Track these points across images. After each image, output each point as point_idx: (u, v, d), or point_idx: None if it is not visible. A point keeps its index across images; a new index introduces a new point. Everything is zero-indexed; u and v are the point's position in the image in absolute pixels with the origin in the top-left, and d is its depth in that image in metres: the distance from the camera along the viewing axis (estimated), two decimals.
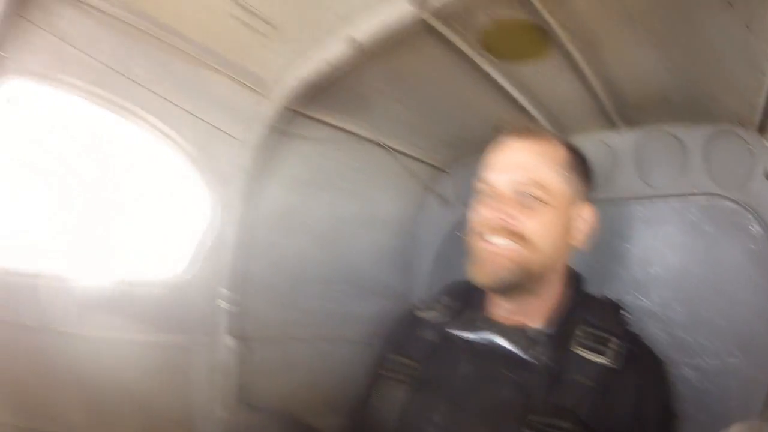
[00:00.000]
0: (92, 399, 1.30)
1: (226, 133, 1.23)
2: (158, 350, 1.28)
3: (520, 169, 1.04)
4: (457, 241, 1.24)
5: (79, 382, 1.29)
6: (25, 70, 1.25)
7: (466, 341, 1.09)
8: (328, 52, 1.08)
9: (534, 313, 1.07)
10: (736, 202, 1.24)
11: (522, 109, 1.29)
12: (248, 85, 1.22)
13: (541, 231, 1.02)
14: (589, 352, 0.99)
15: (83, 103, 1.27)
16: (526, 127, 1.12)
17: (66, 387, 1.30)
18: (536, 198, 1.02)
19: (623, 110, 1.30)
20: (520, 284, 1.03)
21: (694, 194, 1.29)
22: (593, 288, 1.15)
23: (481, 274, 1.04)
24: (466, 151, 1.47)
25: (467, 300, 1.17)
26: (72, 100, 1.28)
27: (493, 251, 1.02)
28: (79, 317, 1.26)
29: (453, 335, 1.11)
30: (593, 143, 1.36)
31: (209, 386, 1.29)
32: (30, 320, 1.27)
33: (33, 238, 1.34)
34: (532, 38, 1.08)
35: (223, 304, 1.25)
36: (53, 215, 1.34)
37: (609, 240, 1.31)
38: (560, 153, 1.07)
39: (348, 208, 1.33)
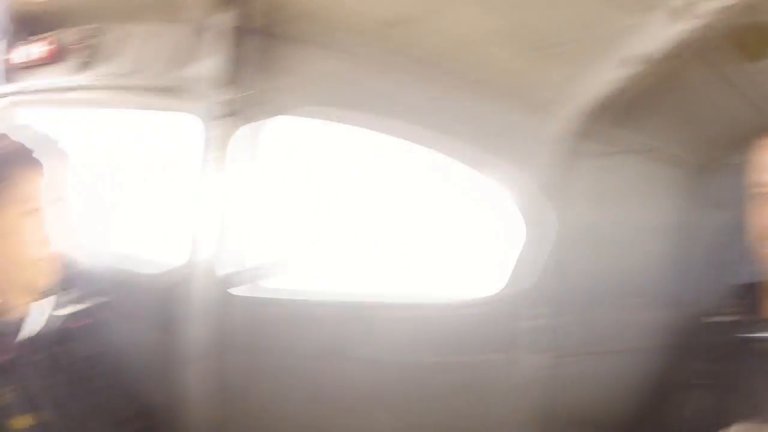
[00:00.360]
0: (387, 423, 1.40)
1: (517, 152, 1.32)
2: (462, 370, 1.36)
3: None
4: (729, 244, 1.25)
5: (374, 407, 1.39)
6: (289, 109, 1.41)
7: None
8: (607, 69, 1.13)
9: None
10: None
11: None
12: (532, 106, 1.30)
13: None
14: None
15: (365, 139, 1.42)
16: None
17: (362, 412, 1.40)
18: None
19: None
20: None
21: None
22: None
23: None
24: (733, 153, 1.47)
25: (753, 301, 1.16)
26: (350, 136, 1.43)
27: None
28: (382, 342, 1.37)
29: (750, 338, 1.12)
30: None
31: (509, 404, 1.35)
32: (330, 347, 1.39)
33: (324, 264, 1.49)
34: None
35: (532, 322, 1.31)
36: (353, 241, 1.47)
37: None
38: None
39: (632, 219, 1.38)
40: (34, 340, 1.20)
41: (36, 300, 1.23)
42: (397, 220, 1.47)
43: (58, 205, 1.19)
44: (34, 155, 1.17)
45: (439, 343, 1.34)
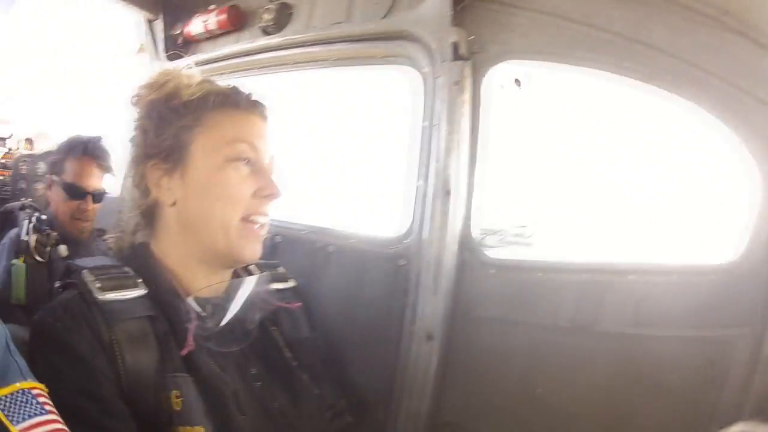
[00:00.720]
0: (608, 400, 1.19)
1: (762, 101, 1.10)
2: (697, 346, 1.14)
3: None
4: None
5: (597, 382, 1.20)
6: (519, 52, 1.24)
7: None
8: None
9: None
10: None
11: None
12: None
13: None
14: None
15: (597, 79, 1.22)
16: None
17: (584, 389, 1.20)
18: None
19: None
20: None
21: None
22: None
23: None
24: None
25: None
26: (582, 77, 1.23)
27: None
28: (629, 314, 1.16)
29: None
30: None
31: (749, 382, 1.12)
32: (572, 321, 1.20)
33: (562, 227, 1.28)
34: None
35: None
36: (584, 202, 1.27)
37: None
38: None
39: None
40: (231, 326, 0.97)
41: (237, 275, 1.04)
42: (630, 178, 1.28)
43: (268, 167, 1.00)
44: (238, 99, 0.99)
45: (680, 314, 1.13)
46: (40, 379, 0.77)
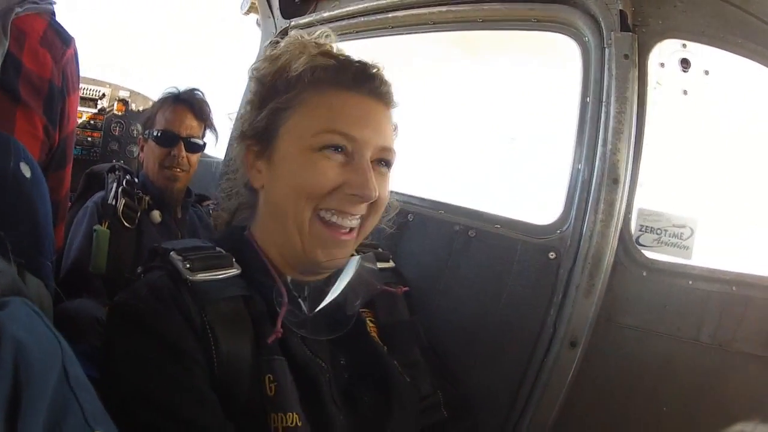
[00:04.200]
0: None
1: None
2: None
3: None
4: None
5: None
6: (680, 30, 1.10)
7: None
8: None
9: None
10: None
11: None
12: None
13: None
14: None
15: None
16: None
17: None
18: None
19: None
20: None
21: None
22: None
23: None
24: None
25: None
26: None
27: None
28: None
29: None
30: None
31: None
32: (712, 337, 1.07)
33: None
34: None
35: None
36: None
37: None
38: None
39: None
40: (329, 312, 0.88)
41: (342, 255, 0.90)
42: None
43: (366, 162, 0.83)
44: (340, 75, 0.84)
45: None
46: (118, 368, 0.71)
